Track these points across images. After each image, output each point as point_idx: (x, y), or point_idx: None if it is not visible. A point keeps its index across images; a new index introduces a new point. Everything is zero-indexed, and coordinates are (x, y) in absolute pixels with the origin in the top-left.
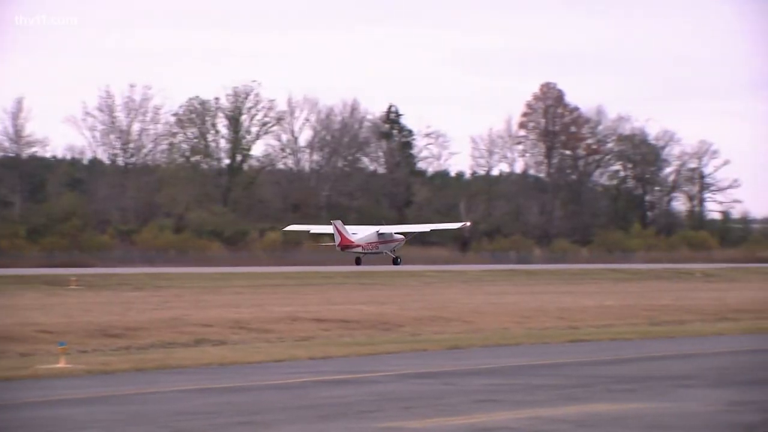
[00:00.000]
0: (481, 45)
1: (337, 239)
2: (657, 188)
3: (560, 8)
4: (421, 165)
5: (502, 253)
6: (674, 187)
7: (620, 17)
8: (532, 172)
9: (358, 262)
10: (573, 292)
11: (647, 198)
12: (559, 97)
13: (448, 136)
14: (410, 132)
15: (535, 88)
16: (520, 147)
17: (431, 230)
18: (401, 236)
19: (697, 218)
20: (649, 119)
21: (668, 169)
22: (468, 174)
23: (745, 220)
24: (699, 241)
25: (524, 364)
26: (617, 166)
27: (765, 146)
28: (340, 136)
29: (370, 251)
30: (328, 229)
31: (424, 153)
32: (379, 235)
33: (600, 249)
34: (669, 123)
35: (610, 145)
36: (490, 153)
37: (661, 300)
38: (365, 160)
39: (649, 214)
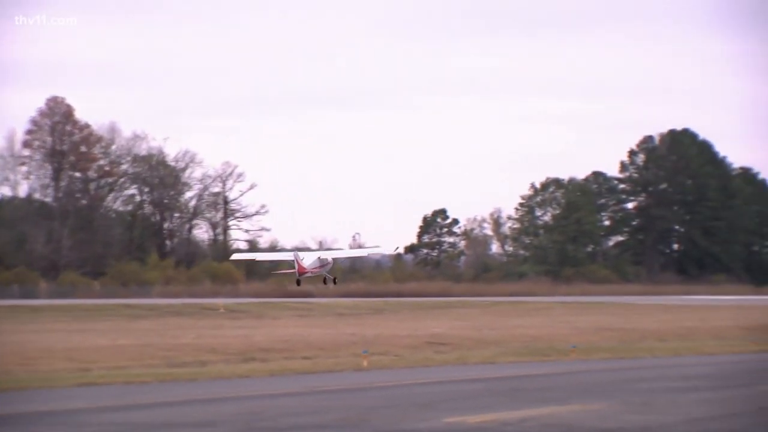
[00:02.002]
0: None
1: (296, 267)
2: (177, 215)
3: (67, 11)
4: None
5: (4, 287)
6: (196, 213)
7: (140, 25)
8: (37, 196)
9: (298, 283)
10: (84, 330)
11: (166, 225)
12: (69, 112)
13: None
14: None
15: (41, 102)
16: (24, 168)
17: (368, 254)
18: (331, 259)
19: (221, 248)
20: (168, 138)
21: (189, 194)
22: None
23: (274, 250)
24: (223, 274)
25: (29, 411)
26: (133, 190)
27: (292, 169)
28: None
29: (314, 275)
30: (271, 256)
31: None
32: (320, 260)
33: (114, 282)
34: (190, 143)
35: (124, 166)
36: None
37: (182, 339)
38: None
39: (168, 243)
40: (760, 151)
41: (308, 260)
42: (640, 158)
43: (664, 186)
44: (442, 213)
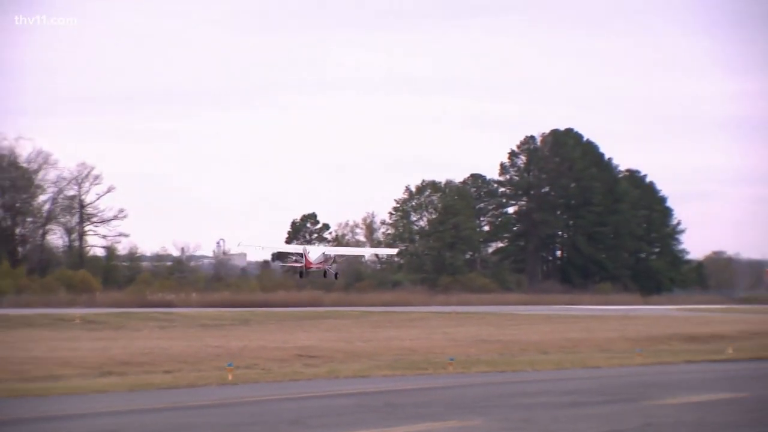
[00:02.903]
0: None
1: (304, 261)
2: (30, 219)
3: None
4: None
5: None
6: (50, 218)
7: None
8: None
9: (301, 275)
10: None
11: (18, 231)
12: None
13: None
14: None
15: None
16: None
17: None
18: (334, 255)
19: (77, 255)
20: (20, 138)
21: (43, 197)
22: None
23: (133, 257)
24: (79, 282)
25: None
26: None
27: (152, 171)
28: None
29: (318, 269)
30: (280, 248)
31: None
32: (324, 255)
33: None
34: (44, 142)
35: None
36: None
37: (34, 351)
38: None
39: (20, 249)
40: (648, 153)
41: (314, 255)
42: (521, 160)
43: (546, 189)
44: (311, 218)
